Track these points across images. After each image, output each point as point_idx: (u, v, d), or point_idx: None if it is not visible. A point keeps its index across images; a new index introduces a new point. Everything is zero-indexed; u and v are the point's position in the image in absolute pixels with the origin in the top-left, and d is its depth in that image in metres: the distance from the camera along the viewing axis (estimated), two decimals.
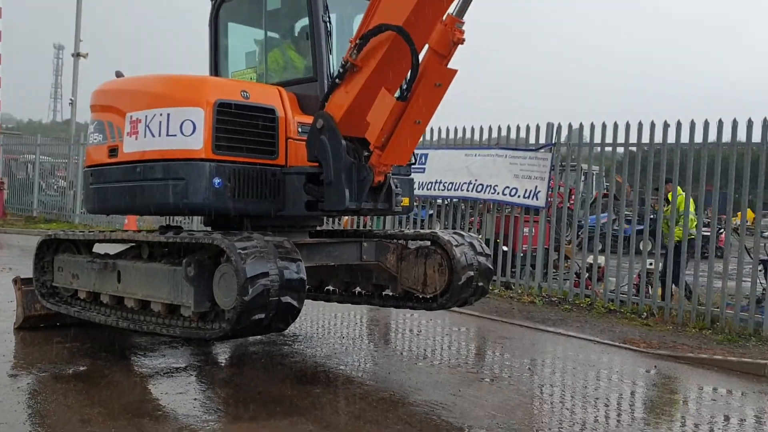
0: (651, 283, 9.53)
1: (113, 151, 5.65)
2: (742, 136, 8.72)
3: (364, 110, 5.10)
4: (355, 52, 5.00)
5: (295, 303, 4.84)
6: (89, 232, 6.49)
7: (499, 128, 11.31)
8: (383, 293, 6.71)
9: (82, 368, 5.68)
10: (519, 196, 10.41)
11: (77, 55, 23.53)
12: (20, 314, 6.80)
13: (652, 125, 9.44)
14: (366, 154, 5.26)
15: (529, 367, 6.62)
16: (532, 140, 10.69)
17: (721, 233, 12.79)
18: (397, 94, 5.07)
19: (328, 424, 4.64)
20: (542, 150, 10.46)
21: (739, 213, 9.14)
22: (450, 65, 5.01)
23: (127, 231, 6.11)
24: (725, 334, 8.16)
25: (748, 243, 9.48)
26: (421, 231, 6.44)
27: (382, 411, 4.97)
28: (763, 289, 8.97)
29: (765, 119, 8.50)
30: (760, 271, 9.10)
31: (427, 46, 4.94)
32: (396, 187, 5.51)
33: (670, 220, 9.42)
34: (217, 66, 6.38)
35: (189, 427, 4.52)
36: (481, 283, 6.15)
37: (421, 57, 4.95)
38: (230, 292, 4.80)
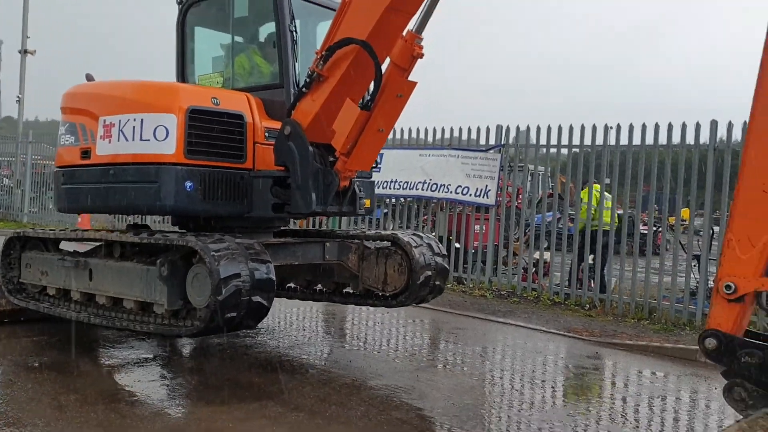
0: (593, 278, 10.11)
1: (86, 153, 5.82)
2: (677, 138, 9.33)
3: (330, 118, 5.38)
4: (321, 62, 5.27)
5: (265, 302, 5.10)
6: (60, 230, 6.61)
7: (452, 129, 11.76)
8: (344, 291, 7.00)
9: (53, 360, 5.85)
10: (471, 195, 10.86)
11: (24, 51, 23.13)
12: None
13: (594, 128, 10.00)
14: (331, 159, 5.54)
15: (480, 355, 7.05)
16: (482, 141, 11.16)
17: (659, 231, 13.52)
18: (360, 104, 5.36)
19: (296, 406, 4.94)
20: (492, 151, 10.94)
21: (683, 211, 9.78)
22: (410, 77, 5.32)
23: (100, 231, 6.23)
24: (661, 324, 8.74)
25: (683, 240, 10.13)
26: (382, 232, 6.79)
27: (345, 394, 5.30)
28: (697, 283, 9.62)
29: (697, 123, 9.13)
30: (693, 265, 9.75)
31: (388, 59, 5.24)
32: (359, 190, 5.83)
33: (580, 215, 10.19)
34: (183, 69, 6.56)
35: (164, 410, 4.77)
36: (438, 282, 6.50)
37: (383, 68, 5.26)
38: (203, 291, 5.04)
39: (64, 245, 6.71)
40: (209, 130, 5.50)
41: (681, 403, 5.83)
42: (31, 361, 5.76)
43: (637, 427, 5.08)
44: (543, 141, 10.58)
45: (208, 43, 6.58)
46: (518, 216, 11.53)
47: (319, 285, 7.16)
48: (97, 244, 6.25)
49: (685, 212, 10.71)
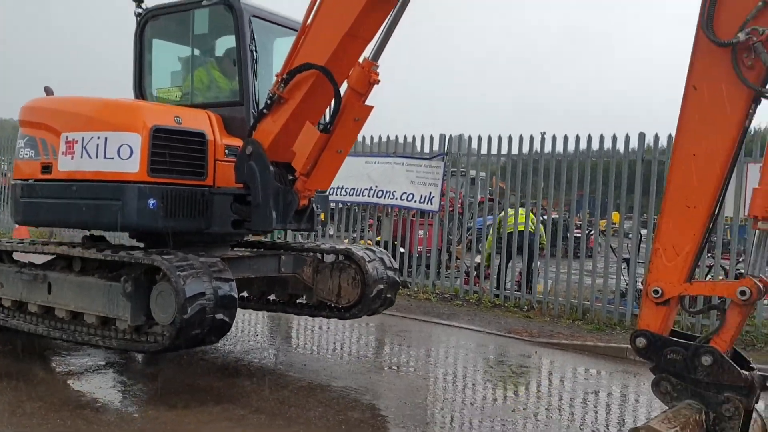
0: (530, 280, 10.63)
1: (47, 167, 5.86)
2: (608, 146, 9.94)
3: (290, 138, 5.60)
4: (282, 85, 5.48)
5: (227, 319, 5.27)
6: (19, 242, 6.61)
7: (396, 137, 12.10)
8: (297, 302, 7.23)
9: (10, 368, 5.90)
10: (415, 201, 11.25)
11: None
12: None
13: (531, 138, 10.58)
14: (291, 177, 5.75)
15: (428, 356, 7.42)
16: (426, 149, 11.56)
17: (591, 235, 14.22)
18: (320, 127, 5.58)
19: (257, 408, 5.19)
20: (435, 159, 11.35)
21: (613, 215, 10.40)
22: (367, 102, 5.59)
23: (62, 245, 6.20)
24: (594, 324, 9.31)
25: (613, 244, 10.76)
26: (337, 246, 7.02)
27: (303, 396, 5.57)
28: (626, 285, 10.25)
29: (626, 135, 9.75)
30: (623, 268, 10.39)
31: (346, 83, 5.49)
32: (317, 207, 6.05)
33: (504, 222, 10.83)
34: (141, 82, 6.64)
35: (130, 415, 4.95)
36: (389, 295, 6.82)
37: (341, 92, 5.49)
38: (168, 308, 5.18)
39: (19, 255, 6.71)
40: (172, 149, 5.60)
41: (612, 397, 6.33)
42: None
43: (573, 420, 5.53)
44: (484, 150, 11.05)
45: (166, 55, 6.68)
46: (459, 220, 11.98)
47: (273, 295, 7.36)
48: (54, 256, 6.29)
49: (615, 216, 11.37)
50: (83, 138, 5.58)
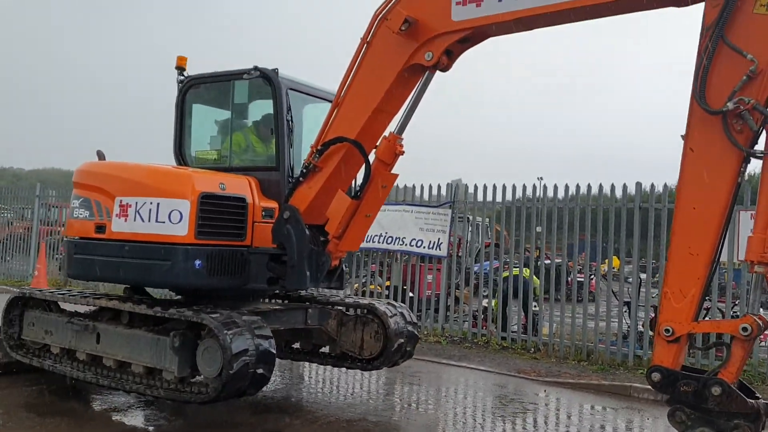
0: (536, 323, 11.10)
1: (101, 227, 6.28)
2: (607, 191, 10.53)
3: (324, 204, 6.06)
4: (316, 155, 5.93)
5: (267, 374, 5.68)
6: (71, 293, 6.92)
7: (405, 186, 12.70)
8: (321, 351, 7.64)
9: (59, 407, 6.34)
10: (424, 247, 11.78)
11: None
12: None
13: (534, 186, 11.20)
14: (322, 239, 6.12)
15: (444, 395, 7.87)
16: (434, 196, 12.16)
17: (592, 279, 14.73)
18: (350, 194, 6.07)
19: None
20: (443, 206, 11.92)
21: (606, 260, 10.94)
22: (393, 171, 6.10)
23: (112, 299, 6.49)
24: (599, 365, 9.75)
25: (614, 287, 11.28)
26: (360, 301, 7.39)
27: (333, 430, 6.01)
28: (627, 327, 10.72)
29: (624, 184, 10.36)
30: (624, 311, 10.88)
31: (373, 153, 5.96)
32: (345, 267, 6.52)
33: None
34: (181, 144, 7.13)
35: None
36: (409, 348, 7.23)
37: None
38: (214, 363, 5.59)
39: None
40: (217, 213, 6.03)
41: (618, 429, 6.77)
42: (41, 409, 6.23)
43: None
44: (488, 197, 11.66)
45: (205, 119, 7.20)
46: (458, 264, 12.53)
47: (298, 344, 7.74)
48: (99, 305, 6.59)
49: (615, 261, 11.88)
50: (137, 202, 6.03)
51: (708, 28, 4.29)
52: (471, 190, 11.95)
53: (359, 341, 7.21)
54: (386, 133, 5.96)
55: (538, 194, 11.11)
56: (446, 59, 5.43)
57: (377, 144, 5.95)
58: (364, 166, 5.93)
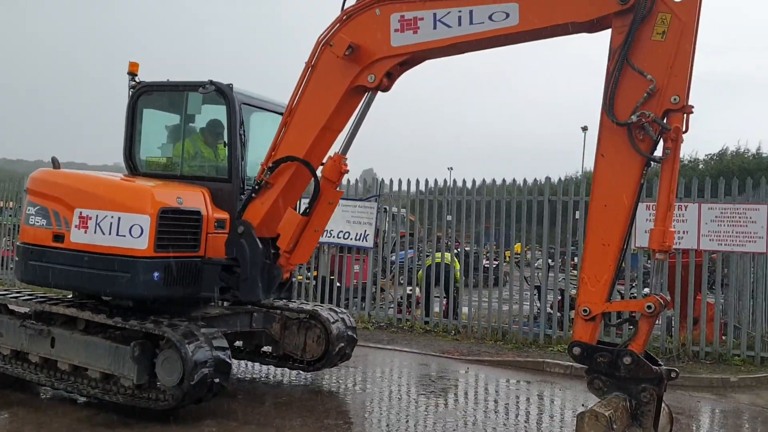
0: (456, 308, 11.98)
1: (59, 237, 6.43)
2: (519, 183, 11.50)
3: (275, 217, 6.42)
4: (267, 173, 6.31)
5: (224, 382, 6.06)
6: (25, 297, 7.02)
7: None
8: (263, 351, 8.05)
9: (12, 397, 6.60)
10: (351, 239, 12.42)
11: None
12: None
13: (444, 179, 12.11)
14: (273, 251, 6.49)
15: (378, 374, 8.58)
16: (360, 191, 12.82)
17: (504, 264, 15.79)
18: (300, 211, 6.50)
19: (246, 421, 6.17)
20: (369, 199, 12.59)
21: (517, 246, 11.93)
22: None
23: (70, 306, 6.64)
24: (514, 344, 10.69)
25: (526, 273, 12.29)
26: (303, 306, 7.78)
27: (283, 410, 6.59)
28: (538, 309, 11.74)
29: (534, 179, 11.34)
30: (534, 295, 11.90)
31: (319, 171, 6.40)
32: (293, 278, 6.92)
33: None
34: (131, 148, 7.25)
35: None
36: (348, 351, 7.74)
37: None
38: (173, 373, 5.88)
39: None
40: (174, 227, 6.28)
41: (534, 399, 7.67)
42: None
43: (508, 417, 6.83)
44: (404, 188, 12.46)
45: (156, 125, 7.41)
46: (384, 256, 13.26)
47: (240, 343, 8.04)
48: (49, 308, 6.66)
49: (517, 247, 12.87)
50: (97, 215, 6.23)
51: (614, 51, 5.08)
52: (387, 182, 12.70)
53: (302, 344, 7.60)
54: (331, 153, 6.45)
55: (449, 185, 12.02)
56: (387, 80, 5.97)
57: (323, 161, 6.44)
58: (313, 183, 6.40)
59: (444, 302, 12.34)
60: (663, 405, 5.16)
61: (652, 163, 5.06)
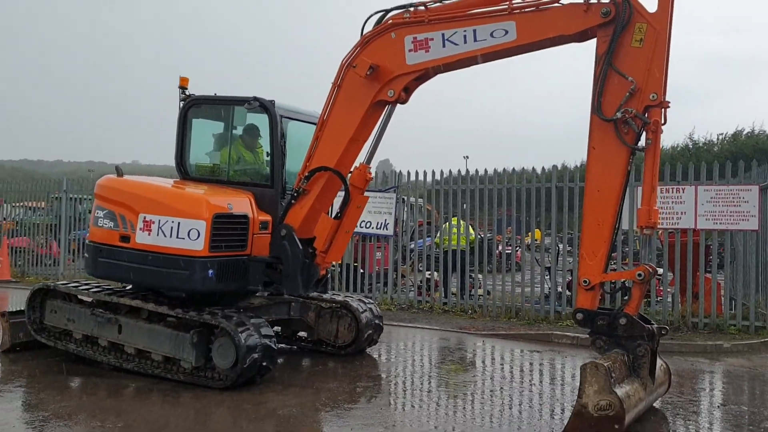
0: (471, 288, 12.87)
1: (125, 238, 7.32)
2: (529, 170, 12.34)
3: (312, 220, 7.30)
4: (304, 181, 7.16)
5: (270, 365, 6.94)
6: (95, 288, 7.84)
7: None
8: (299, 336, 9.03)
9: (72, 368, 7.58)
10: (373, 228, 13.33)
11: None
12: (7, 341, 8.35)
13: (459, 170, 12.94)
14: (311, 250, 7.35)
15: (402, 347, 9.50)
16: (379, 182, 13.74)
17: (518, 250, 16.64)
18: (332, 215, 7.48)
19: (291, 383, 7.11)
20: (389, 191, 13.49)
21: (529, 233, 12.77)
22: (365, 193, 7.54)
23: (136, 298, 7.41)
24: (526, 320, 11.58)
25: (537, 255, 13.15)
26: (336, 298, 8.68)
27: (320, 375, 7.53)
28: (548, 289, 12.58)
29: (543, 167, 12.18)
30: (546, 275, 12.76)
31: (348, 177, 7.30)
32: (328, 275, 7.80)
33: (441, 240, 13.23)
34: (182, 156, 8.07)
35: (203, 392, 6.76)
36: (375, 337, 8.73)
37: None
38: (227, 357, 6.74)
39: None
40: (226, 230, 7.11)
41: (544, 365, 8.55)
42: (62, 370, 7.47)
43: (522, 380, 7.74)
44: (421, 179, 13.34)
45: (203, 134, 8.23)
46: (403, 244, 14.19)
47: (279, 329, 8.96)
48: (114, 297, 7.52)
49: (537, 233, 13.74)
50: (159, 220, 7.11)
51: (600, 57, 5.95)
52: (404, 173, 13.59)
53: (334, 331, 8.58)
54: (357, 163, 7.35)
55: (464, 174, 12.90)
56: (404, 94, 6.88)
57: (351, 170, 7.34)
58: (343, 191, 7.28)
59: (460, 281, 13.22)
60: (661, 363, 6.04)
61: (636, 152, 5.93)
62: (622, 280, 6.20)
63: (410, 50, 6.65)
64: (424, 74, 6.82)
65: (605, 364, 5.42)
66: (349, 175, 7.40)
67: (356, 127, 7.03)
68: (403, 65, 6.73)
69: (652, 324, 6.01)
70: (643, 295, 6.03)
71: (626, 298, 6.37)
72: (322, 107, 7.23)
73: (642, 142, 5.97)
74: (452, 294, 12.98)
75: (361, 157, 7.45)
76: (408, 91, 6.95)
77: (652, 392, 6.04)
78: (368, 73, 6.77)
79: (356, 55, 6.93)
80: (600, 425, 5.24)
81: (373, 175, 7.45)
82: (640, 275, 5.85)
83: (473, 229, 13.30)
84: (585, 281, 5.95)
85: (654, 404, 6.33)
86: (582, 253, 6.05)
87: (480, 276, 13.17)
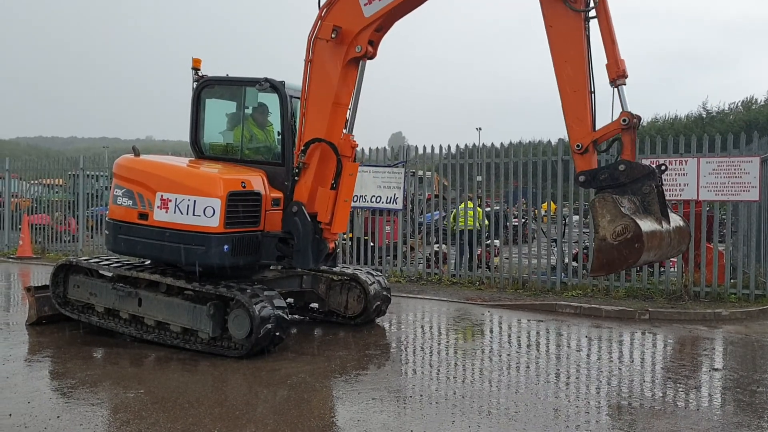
0: (488, 258, 13.18)
1: (143, 215, 7.68)
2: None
3: (315, 197, 7.64)
4: (302, 155, 7.57)
5: (283, 335, 7.32)
6: (115, 263, 8.27)
7: (362, 150, 14.46)
8: (310, 307, 9.44)
9: (95, 339, 7.99)
10: (383, 202, 13.64)
11: None
12: (33, 315, 8.79)
13: (466, 145, 13.18)
14: (320, 225, 7.65)
15: (411, 317, 9.85)
16: (389, 156, 14.01)
17: (527, 222, 16.91)
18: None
19: (303, 352, 7.49)
20: (398, 165, 13.77)
21: (544, 204, 13.04)
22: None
23: (155, 273, 7.76)
24: (532, 291, 11.89)
25: (544, 228, 13.43)
26: (345, 270, 9.01)
27: (330, 344, 7.90)
28: (555, 261, 12.86)
29: (549, 141, 12.37)
30: (552, 247, 13.04)
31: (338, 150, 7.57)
32: (337, 248, 8.10)
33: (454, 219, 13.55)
34: (196, 135, 8.43)
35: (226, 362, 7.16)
36: (383, 308, 9.10)
37: None
38: (242, 328, 7.13)
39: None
40: (240, 207, 7.45)
41: (549, 332, 8.88)
42: (80, 342, 7.88)
43: (529, 346, 8.08)
44: (435, 152, 13.57)
45: (216, 113, 8.54)
46: (412, 217, 14.50)
47: (292, 300, 9.39)
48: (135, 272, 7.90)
49: (544, 206, 14.01)
50: (176, 198, 7.45)
51: None
52: (414, 147, 13.85)
53: (344, 303, 8.98)
54: (341, 135, 7.67)
55: (478, 146, 13.14)
56: (371, 48, 7.44)
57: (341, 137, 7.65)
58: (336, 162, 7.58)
59: (478, 253, 13.53)
60: (679, 226, 6.14)
61: (589, 18, 6.20)
62: (611, 131, 6.28)
63: (365, 4, 7.32)
64: (382, 23, 7.42)
65: (612, 195, 5.69)
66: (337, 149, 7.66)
67: (335, 90, 7.52)
68: (362, 19, 7.34)
69: (652, 166, 6.14)
70: (634, 140, 6.12)
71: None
72: (301, 87, 7.66)
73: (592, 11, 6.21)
74: (465, 266, 13.25)
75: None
76: (373, 44, 7.50)
77: (671, 234, 6.05)
78: (333, 36, 7.34)
79: (319, 25, 7.50)
80: (621, 250, 5.53)
81: (357, 142, 7.78)
82: (624, 121, 5.99)
83: (480, 208, 13.57)
84: (578, 146, 6.16)
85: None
86: (568, 123, 6.26)
87: (497, 242, 13.50)
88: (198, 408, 5.58)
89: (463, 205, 13.38)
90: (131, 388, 6.13)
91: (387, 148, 14.21)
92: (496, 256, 13.54)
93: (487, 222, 13.40)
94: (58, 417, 5.33)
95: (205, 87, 8.36)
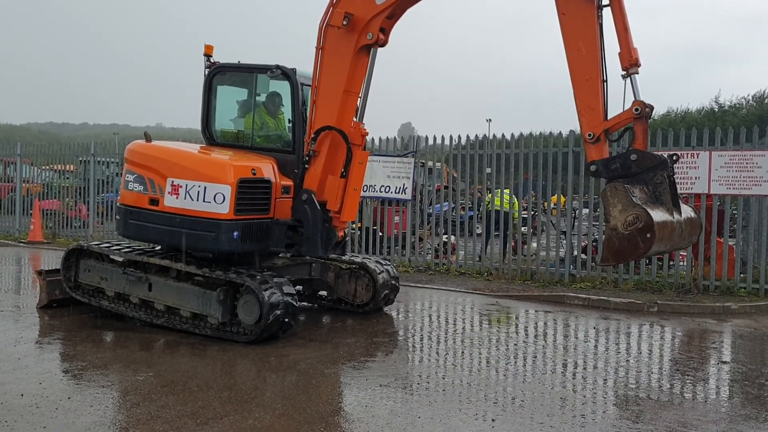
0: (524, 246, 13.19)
1: (154, 201, 7.68)
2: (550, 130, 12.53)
3: (325, 185, 7.65)
4: (312, 143, 7.60)
5: (292, 322, 7.33)
6: (126, 248, 8.32)
7: (372, 139, 14.46)
8: (319, 295, 9.47)
9: (106, 323, 8.06)
10: (392, 192, 13.64)
11: None
12: (44, 298, 8.87)
13: (475, 136, 13.14)
14: (329, 213, 7.67)
15: (418, 307, 9.88)
16: (399, 146, 14.00)
17: (536, 216, 16.89)
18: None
19: (312, 338, 7.53)
20: (407, 155, 13.76)
21: (554, 197, 13.00)
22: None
23: (165, 258, 7.80)
24: (541, 283, 11.88)
25: (553, 220, 13.40)
26: (354, 259, 9.06)
27: (338, 331, 7.94)
28: (564, 252, 12.85)
29: (560, 132, 12.32)
30: (562, 239, 13.01)
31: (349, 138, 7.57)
32: (346, 237, 8.12)
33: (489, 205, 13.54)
34: (207, 122, 8.43)
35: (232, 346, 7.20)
36: (392, 297, 9.14)
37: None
38: (251, 313, 7.15)
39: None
40: (250, 194, 7.45)
41: (557, 322, 8.89)
42: (96, 325, 7.95)
43: (537, 335, 8.09)
44: (445, 143, 13.55)
45: (228, 100, 8.55)
46: (421, 208, 14.49)
47: (301, 288, 9.38)
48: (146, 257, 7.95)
49: (555, 199, 13.98)
50: (187, 184, 7.45)
51: None
52: (424, 137, 13.83)
53: (353, 291, 9.01)
54: (352, 123, 7.66)
55: (482, 140, 13.10)
56: (382, 36, 7.40)
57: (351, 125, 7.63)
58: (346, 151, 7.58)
59: (513, 243, 13.52)
60: (690, 218, 6.09)
61: (602, 7, 6.14)
62: (623, 120, 6.22)
63: None
64: (393, 11, 7.41)
65: (624, 184, 5.68)
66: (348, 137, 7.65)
67: (346, 78, 7.51)
68: (374, 6, 7.34)
69: (663, 156, 6.07)
70: (646, 130, 6.07)
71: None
72: (312, 75, 7.66)
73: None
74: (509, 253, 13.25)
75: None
76: (384, 31, 7.48)
77: (681, 225, 5.99)
78: (344, 23, 7.35)
79: (331, 12, 7.48)
80: (632, 240, 5.52)
81: (368, 131, 7.76)
82: (637, 110, 5.92)
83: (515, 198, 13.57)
84: (589, 135, 6.09)
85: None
86: (580, 111, 6.19)
87: (524, 230, 13.53)
88: (207, 392, 5.62)
89: (500, 191, 13.32)
90: (141, 371, 6.18)
91: (397, 138, 14.18)
92: (524, 244, 13.52)
93: (516, 206, 13.39)
94: (69, 398, 5.38)
95: (217, 74, 8.37)
